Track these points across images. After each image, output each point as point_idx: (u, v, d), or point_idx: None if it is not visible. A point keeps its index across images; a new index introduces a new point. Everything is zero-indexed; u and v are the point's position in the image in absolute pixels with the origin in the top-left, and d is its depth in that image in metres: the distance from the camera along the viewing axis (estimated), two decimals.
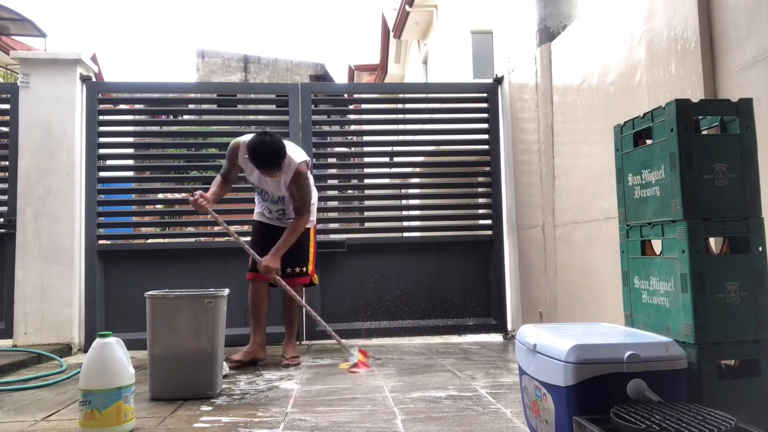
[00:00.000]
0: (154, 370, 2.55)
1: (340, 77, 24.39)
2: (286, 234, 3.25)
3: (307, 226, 3.40)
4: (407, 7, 12.10)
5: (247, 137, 3.18)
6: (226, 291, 2.69)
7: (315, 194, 3.54)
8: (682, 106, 1.69)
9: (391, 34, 14.27)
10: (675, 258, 1.67)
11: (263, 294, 3.36)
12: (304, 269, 3.42)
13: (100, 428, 1.99)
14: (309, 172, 3.36)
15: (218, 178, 3.36)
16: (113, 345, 2.09)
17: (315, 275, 3.54)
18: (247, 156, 3.13)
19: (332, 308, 4.24)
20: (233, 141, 3.30)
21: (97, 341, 2.10)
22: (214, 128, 5.18)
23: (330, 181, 4.86)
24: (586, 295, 3.30)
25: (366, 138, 4.63)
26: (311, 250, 3.47)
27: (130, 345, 4.29)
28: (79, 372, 3.12)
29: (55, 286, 3.97)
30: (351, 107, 5.15)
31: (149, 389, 2.56)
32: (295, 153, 3.25)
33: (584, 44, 3.34)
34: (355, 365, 3.15)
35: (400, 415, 2.20)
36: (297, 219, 3.29)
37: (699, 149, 1.68)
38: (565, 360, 1.49)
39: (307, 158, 3.33)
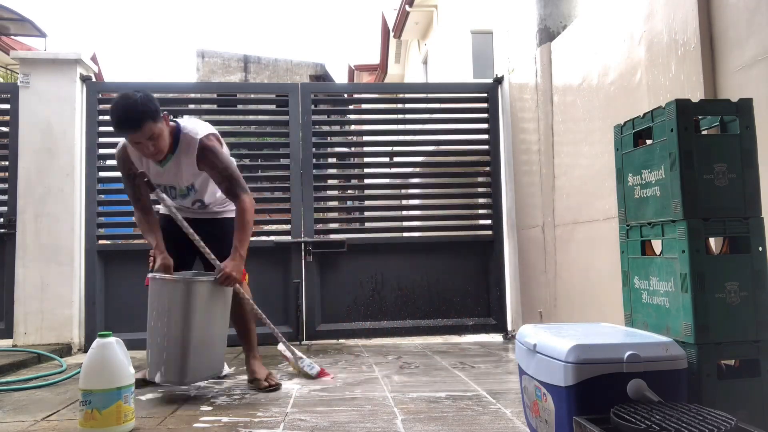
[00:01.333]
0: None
1: (340, 77, 24.40)
2: (238, 228, 2.63)
3: (230, 215, 2.79)
4: (407, 7, 12.10)
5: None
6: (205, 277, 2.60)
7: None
8: (682, 106, 1.69)
9: (391, 34, 14.27)
10: (675, 258, 1.67)
11: None
12: None
13: (100, 428, 1.99)
14: (221, 145, 2.75)
15: (136, 213, 2.78)
16: (113, 345, 2.09)
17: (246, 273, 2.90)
18: (129, 145, 2.57)
19: (332, 308, 4.25)
20: (117, 149, 2.71)
21: (98, 341, 2.10)
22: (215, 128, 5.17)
23: (330, 181, 4.86)
24: (586, 295, 3.30)
25: (366, 138, 4.63)
26: None
27: (130, 345, 4.29)
28: (79, 372, 3.13)
29: (55, 286, 3.97)
30: (351, 107, 5.15)
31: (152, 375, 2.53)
32: (197, 128, 2.68)
33: (584, 44, 3.34)
34: (318, 374, 2.90)
35: (400, 415, 2.20)
36: (239, 203, 2.63)
37: (699, 149, 1.68)
38: (565, 360, 1.49)
39: (213, 130, 2.75)
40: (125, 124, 2.45)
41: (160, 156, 2.58)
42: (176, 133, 2.64)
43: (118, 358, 2.07)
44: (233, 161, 2.79)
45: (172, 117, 2.72)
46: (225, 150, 2.79)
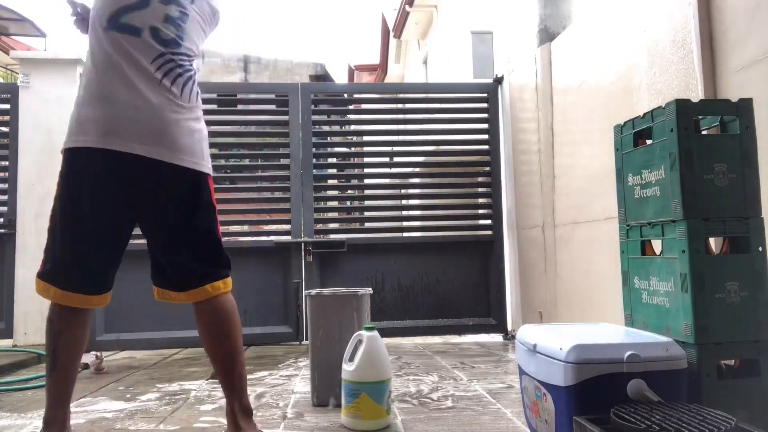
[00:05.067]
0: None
1: (340, 77, 24.34)
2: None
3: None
4: (407, 7, 12.09)
5: None
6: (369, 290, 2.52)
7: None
8: (682, 106, 1.69)
9: (391, 34, 14.26)
10: (675, 258, 1.67)
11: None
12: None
13: (373, 419, 2.01)
14: None
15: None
16: (379, 338, 2.09)
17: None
18: None
19: None
20: None
21: (367, 334, 2.07)
22: (214, 128, 5.17)
23: (330, 181, 4.86)
24: (586, 295, 3.30)
25: (366, 138, 4.63)
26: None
27: (130, 345, 4.30)
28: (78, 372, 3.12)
29: None
30: (351, 107, 5.15)
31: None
32: None
33: (584, 44, 3.34)
34: None
35: (400, 415, 2.20)
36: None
37: (699, 149, 1.68)
38: (565, 360, 1.49)
39: None
40: None
41: None
42: None
43: (385, 351, 2.09)
44: None
45: None
46: None
